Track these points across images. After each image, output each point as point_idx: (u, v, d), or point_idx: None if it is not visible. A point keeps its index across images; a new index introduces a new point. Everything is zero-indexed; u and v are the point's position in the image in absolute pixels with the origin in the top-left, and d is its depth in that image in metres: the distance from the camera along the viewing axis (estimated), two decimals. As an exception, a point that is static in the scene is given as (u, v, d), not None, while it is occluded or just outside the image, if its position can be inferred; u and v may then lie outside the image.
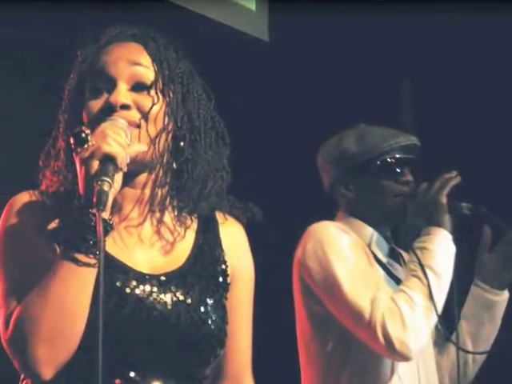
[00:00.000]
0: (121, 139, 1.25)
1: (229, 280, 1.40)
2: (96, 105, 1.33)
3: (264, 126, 3.03)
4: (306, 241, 1.92)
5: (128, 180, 1.31)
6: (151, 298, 1.30)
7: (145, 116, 1.33)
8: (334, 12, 2.72)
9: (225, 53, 2.82)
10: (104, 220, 1.21)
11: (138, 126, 1.33)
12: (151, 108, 1.33)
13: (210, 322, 1.32)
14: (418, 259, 1.86)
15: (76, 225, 1.23)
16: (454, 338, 1.97)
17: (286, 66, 3.02)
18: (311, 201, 2.23)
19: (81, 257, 1.22)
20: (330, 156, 2.04)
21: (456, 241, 1.90)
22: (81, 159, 1.24)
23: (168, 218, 1.38)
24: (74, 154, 1.27)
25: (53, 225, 1.31)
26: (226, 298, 1.39)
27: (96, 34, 1.39)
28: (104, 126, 1.27)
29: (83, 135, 1.24)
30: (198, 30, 2.65)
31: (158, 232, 1.37)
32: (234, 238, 1.44)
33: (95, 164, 1.22)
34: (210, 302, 1.34)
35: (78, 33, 1.43)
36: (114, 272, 1.28)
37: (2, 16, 2.19)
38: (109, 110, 1.31)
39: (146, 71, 1.35)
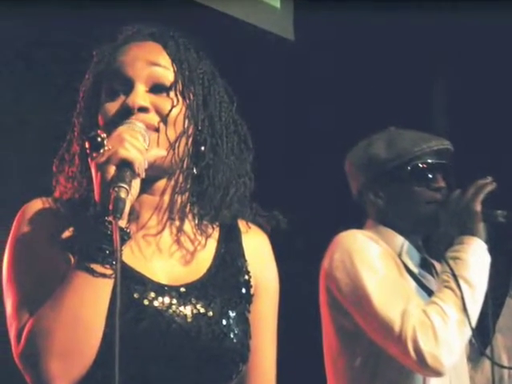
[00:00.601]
0: (138, 143, 1.23)
1: (252, 291, 1.37)
2: (112, 107, 1.30)
3: (289, 129, 3.01)
4: (333, 250, 1.90)
5: (146, 186, 1.29)
6: (170, 311, 1.27)
7: (164, 119, 1.30)
8: (361, 10, 2.68)
9: (248, 52, 2.80)
10: (121, 228, 1.18)
11: (157, 130, 1.30)
12: (170, 111, 1.30)
13: (232, 336, 1.29)
14: (451, 270, 1.83)
15: (91, 233, 1.20)
16: (488, 352, 1.94)
17: (312, 66, 3.00)
18: (339, 208, 2.21)
19: (96, 267, 1.19)
20: (358, 161, 2.02)
21: (491, 250, 1.87)
22: (96, 164, 1.21)
23: (188, 226, 1.35)
24: (89, 159, 1.24)
25: (67, 233, 1.28)
26: (249, 311, 1.36)
27: (113, 33, 1.38)
28: (121, 129, 1.24)
29: (99, 139, 1.21)
30: (220, 29, 2.63)
31: (177, 241, 1.34)
32: (257, 247, 1.41)
33: (111, 169, 1.19)
34: (232, 314, 1.31)
35: (93, 31, 1.41)
36: (131, 283, 1.26)
37: (14, 15, 2.18)
38: (126, 113, 1.28)
39: (165, 72, 1.32)
